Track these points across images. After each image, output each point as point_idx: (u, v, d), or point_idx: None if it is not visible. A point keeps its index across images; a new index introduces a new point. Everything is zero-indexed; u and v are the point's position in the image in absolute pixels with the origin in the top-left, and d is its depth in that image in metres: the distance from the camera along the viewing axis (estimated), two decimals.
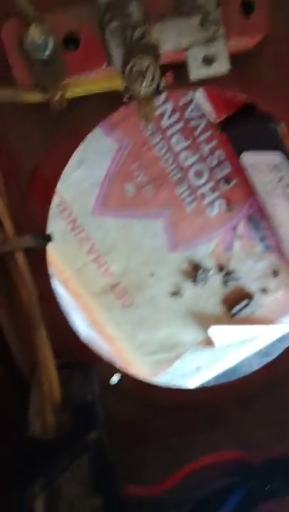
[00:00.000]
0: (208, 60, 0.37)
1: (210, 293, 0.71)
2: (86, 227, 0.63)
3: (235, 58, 0.38)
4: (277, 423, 0.42)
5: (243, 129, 0.55)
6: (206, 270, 0.69)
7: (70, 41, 0.35)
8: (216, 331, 0.72)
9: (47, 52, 0.33)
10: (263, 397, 0.46)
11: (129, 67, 0.33)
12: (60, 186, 0.60)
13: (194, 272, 0.69)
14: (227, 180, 0.66)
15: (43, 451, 0.28)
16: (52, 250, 0.65)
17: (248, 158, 0.58)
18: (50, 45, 0.34)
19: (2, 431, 0.32)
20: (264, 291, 0.72)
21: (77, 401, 0.33)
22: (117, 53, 0.34)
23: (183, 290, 0.70)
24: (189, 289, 0.70)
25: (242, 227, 0.69)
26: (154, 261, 0.67)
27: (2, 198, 0.35)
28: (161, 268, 0.68)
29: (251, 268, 0.71)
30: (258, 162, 0.56)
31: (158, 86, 0.35)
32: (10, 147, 0.37)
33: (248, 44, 0.41)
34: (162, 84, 0.35)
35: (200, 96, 0.59)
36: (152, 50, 0.34)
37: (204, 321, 0.72)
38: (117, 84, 0.35)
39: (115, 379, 0.45)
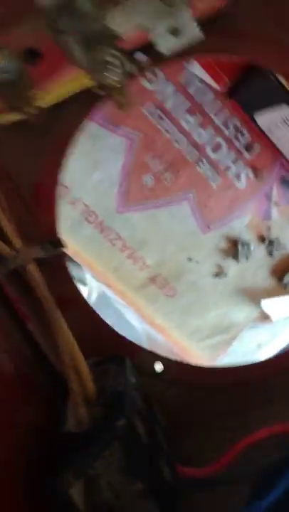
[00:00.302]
0: (175, 32, 0.36)
1: (256, 266, 0.68)
2: (114, 227, 0.64)
3: (214, 18, 0.36)
4: None
5: (247, 90, 0.51)
6: (247, 244, 0.66)
7: (33, 54, 0.35)
8: (270, 305, 0.69)
9: (12, 73, 0.34)
10: None
11: (91, 60, 0.33)
12: (80, 193, 0.62)
13: (234, 248, 0.67)
14: (248, 147, 0.62)
15: (73, 442, 0.29)
16: (86, 255, 0.66)
17: (261, 118, 0.54)
18: (14, 65, 0.34)
19: (48, 435, 0.33)
20: None
21: (109, 393, 0.33)
22: (77, 51, 0.34)
23: (226, 269, 0.67)
24: (233, 267, 0.68)
25: (276, 193, 0.65)
26: (189, 246, 0.66)
27: (6, 214, 0.37)
28: (197, 251, 0.66)
29: None
30: (271, 120, 0.52)
31: (127, 71, 0.34)
32: (7, 167, 0.38)
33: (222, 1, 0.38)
34: (133, 68, 0.34)
35: (197, 68, 0.56)
36: (111, 38, 0.33)
37: (255, 296, 0.69)
38: (86, 81, 0.34)
39: (159, 367, 0.45)
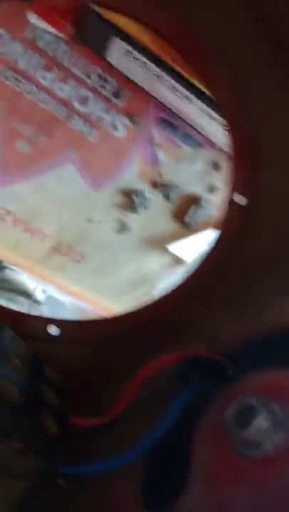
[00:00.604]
0: None
1: (156, 214, 0.67)
2: (0, 202, 0.62)
3: None
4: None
5: (84, 31, 0.49)
6: (141, 193, 0.65)
7: None
8: (179, 248, 0.69)
9: None
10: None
11: None
12: None
13: (130, 200, 0.66)
14: (116, 94, 0.60)
15: None
16: None
17: (110, 57, 0.53)
18: None
19: None
20: (211, 189, 0.68)
21: None
22: None
23: (128, 223, 0.67)
24: (134, 219, 0.67)
25: (157, 135, 0.64)
26: (85, 207, 0.64)
27: None
28: (95, 211, 0.65)
29: (188, 171, 0.66)
30: (117, 56, 0.51)
31: None
32: None
33: None
34: None
35: (37, 19, 0.53)
36: None
37: (163, 243, 0.69)
38: None
39: (54, 330, 0.45)
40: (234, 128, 0.41)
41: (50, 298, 0.73)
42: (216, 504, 0.23)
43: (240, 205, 0.40)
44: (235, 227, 0.41)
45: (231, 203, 0.41)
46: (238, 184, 0.41)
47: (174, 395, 0.32)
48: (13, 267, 0.68)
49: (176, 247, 0.67)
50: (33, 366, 0.37)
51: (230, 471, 0.24)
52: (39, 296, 0.67)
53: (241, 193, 0.40)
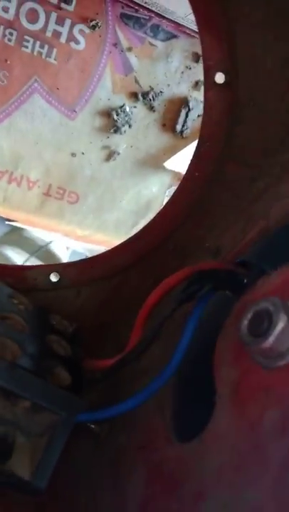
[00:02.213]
0: None
1: (143, 128, 0.60)
2: None
3: None
4: None
5: None
6: (121, 109, 0.59)
7: None
8: (176, 163, 0.63)
9: None
10: None
11: None
12: None
13: (111, 120, 0.59)
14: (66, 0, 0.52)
15: None
16: None
17: None
18: None
19: None
20: (196, 84, 0.60)
21: None
22: None
23: (115, 147, 0.60)
24: (121, 141, 0.60)
25: (122, 36, 0.56)
26: (65, 140, 0.58)
27: None
28: (76, 142, 0.59)
29: (166, 70, 0.58)
30: None
31: None
32: None
33: None
34: None
35: None
36: None
37: (158, 160, 0.62)
38: None
39: (55, 276, 0.41)
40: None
41: (62, 251, 0.69)
42: (246, 427, 0.20)
43: (221, 85, 0.35)
44: (219, 112, 0.35)
45: (211, 85, 0.35)
46: (215, 61, 0.35)
47: (188, 317, 0.28)
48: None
49: (173, 162, 0.62)
50: (37, 319, 0.35)
51: (255, 387, 0.21)
52: (57, 251, 0.62)
53: (220, 71, 0.35)
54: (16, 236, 0.64)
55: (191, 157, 0.35)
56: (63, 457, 0.27)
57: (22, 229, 0.63)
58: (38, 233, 0.64)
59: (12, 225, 0.63)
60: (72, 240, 0.65)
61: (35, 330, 0.32)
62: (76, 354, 0.33)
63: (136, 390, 0.28)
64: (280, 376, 0.20)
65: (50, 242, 0.65)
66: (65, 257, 0.65)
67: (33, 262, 0.59)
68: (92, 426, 0.32)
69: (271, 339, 0.19)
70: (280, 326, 0.20)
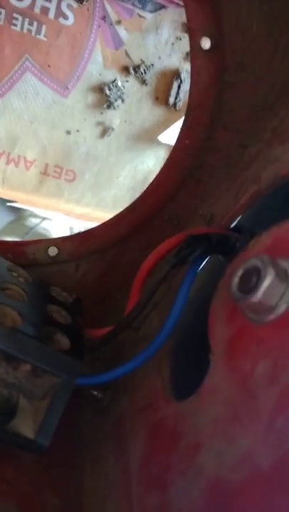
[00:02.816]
0: None
1: (136, 102, 0.60)
2: None
3: None
4: None
5: None
6: (113, 84, 0.59)
7: None
8: (169, 135, 0.63)
9: None
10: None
11: None
12: None
13: (104, 95, 0.59)
14: None
15: None
16: None
17: None
18: None
19: None
20: (188, 55, 0.60)
21: None
22: None
23: (109, 123, 0.61)
24: (114, 116, 0.61)
25: (111, 9, 0.55)
26: (59, 118, 0.58)
27: None
28: (70, 119, 0.59)
29: (156, 42, 0.58)
30: None
31: None
32: None
33: None
34: None
35: None
36: None
37: (153, 134, 0.63)
38: None
39: (52, 251, 0.42)
40: None
41: (64, 231, 0.70)
42: (239, 379, 0.21)
43: (207, 51, 0.35)
44: (206, 78, 0.35)
45: (198, 51, 0.35)
46: (200, 26, 0.35)
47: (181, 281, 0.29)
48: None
49: (168, 135, 0.62)
50: (37, 290, 0.36)
51: (247, 341, 0.22)
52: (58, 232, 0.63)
53: (205, 35, 0.34)
54: (19, 225, 0.65)
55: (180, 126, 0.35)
56: (69, 424, 0.29)
57: (25, 218, 0.64)
58: (43, 223, 0.65)
59: (15, 216, 0.63)
60: (73, 219, 0.66)
61: (34, 300, 0.33)
62: (76, 322, 0.34)
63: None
64: (270, 329, 0.21)
65: (45, 218, 0.66)
66: None
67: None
68: (96, 393, 0.33)
69: (259, 294, 0.20)
70: (268, 280, 0.20)
